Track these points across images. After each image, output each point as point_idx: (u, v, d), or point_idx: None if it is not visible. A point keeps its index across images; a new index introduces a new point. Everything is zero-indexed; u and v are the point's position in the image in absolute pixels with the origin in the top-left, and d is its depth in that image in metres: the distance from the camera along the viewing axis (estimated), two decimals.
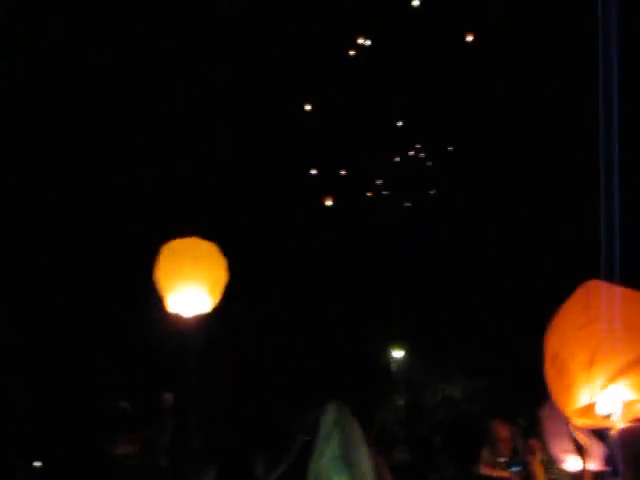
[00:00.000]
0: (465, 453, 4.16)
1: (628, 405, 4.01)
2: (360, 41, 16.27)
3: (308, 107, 16.33)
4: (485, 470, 6.05)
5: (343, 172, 18.17)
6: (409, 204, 19.42)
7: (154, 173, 13.59)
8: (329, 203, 18.09)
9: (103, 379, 12.62)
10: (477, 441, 5.88)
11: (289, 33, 15.35)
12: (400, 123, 18.39)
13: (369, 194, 18.72)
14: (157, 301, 6.16)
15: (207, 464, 6.76)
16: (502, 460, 5.89)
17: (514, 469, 5.71)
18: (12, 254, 12.64)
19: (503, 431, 6.17)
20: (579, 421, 4.19)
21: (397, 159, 19.22)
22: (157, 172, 13.61)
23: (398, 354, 18.04)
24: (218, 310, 6.36)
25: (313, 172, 17.73)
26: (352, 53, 15.90)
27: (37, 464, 13.96)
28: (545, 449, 5.91)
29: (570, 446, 5.66)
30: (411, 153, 19.15)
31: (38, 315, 13.58)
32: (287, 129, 15.88)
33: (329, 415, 5.77)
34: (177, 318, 6.20)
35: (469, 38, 15.54)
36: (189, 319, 6.19)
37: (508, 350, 15.05)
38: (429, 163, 18.78)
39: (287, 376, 14.12)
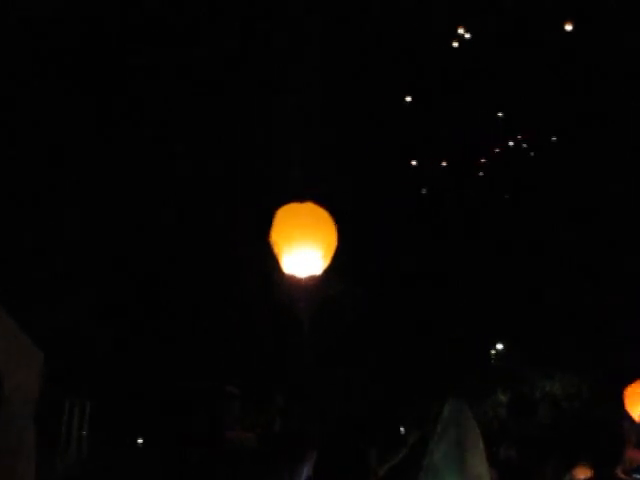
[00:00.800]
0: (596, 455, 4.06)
1: None
2: (460, 31, 16.19)
3: (408, 99, 16.31)
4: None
5: (444, 163, 18.10)
6: (507, 196, 19.18)
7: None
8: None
9: (214, 363, 12.92)
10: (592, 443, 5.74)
11: (390, 25, 15.36)
12: (500, 114, 18.21)
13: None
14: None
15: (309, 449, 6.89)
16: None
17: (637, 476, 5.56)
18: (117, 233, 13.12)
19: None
20: None
21: (497, 150, 19.05)
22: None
23: (498, 347, 17.88)
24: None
25: (413, 163, 17.71)
26: (455, 45, 15.79)
27: (140, 441, 14.64)
28: None
29: None
30: (511, 144, 18.94)
31: (145, 296, 14.01)
32: (388, 120, 15.88)
33: (447, 412, 5.80)
34: (291, 280, 6.43)
35: (568, 27, 15.21)
36: (303, 280, 6.45)
37: (609, 345, 14.79)
38: (531, 154, 18.53)
39: (400, 369, 14.23)
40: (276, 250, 6.42)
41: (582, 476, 4.81)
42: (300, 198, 6.60)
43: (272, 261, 6.54)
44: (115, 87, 13.19)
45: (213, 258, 13.75)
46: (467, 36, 16.18)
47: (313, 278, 6.64)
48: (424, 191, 18.72)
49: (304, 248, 6.35)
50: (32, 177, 12.38)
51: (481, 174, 18.83)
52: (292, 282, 6.62)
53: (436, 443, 5.74)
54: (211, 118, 13.61)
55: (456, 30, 16.16)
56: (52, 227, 12.76)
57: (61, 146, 12.87)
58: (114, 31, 13.14)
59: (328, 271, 6.67)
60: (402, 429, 7.74)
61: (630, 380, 7.06)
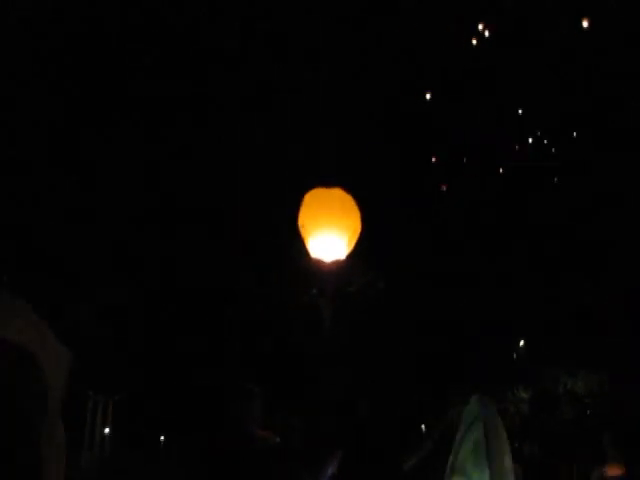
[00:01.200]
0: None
1: None
2: (480, 27, 16.10)
3: (428, 96, 16.24)
4: None
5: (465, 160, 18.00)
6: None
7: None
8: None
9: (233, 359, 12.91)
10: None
11: (414, 22, 15.34)
12: (520, 111, 18.10)
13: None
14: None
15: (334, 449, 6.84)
16: None
17: None
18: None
19: None
20: None
21: (517, 147, 18.93)
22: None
23: (520, 344, 17.75)
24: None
25: (433, 160, 17.65)
26: (474, 42, 15.70)
27: (162, 438, 14.68)
28: None
29: None
30: (530, 140, 18.82)
31: (169, 294, 14.01)
32: (410, 117, 15.84)
33: (472, 408, 5.75)
34: (317, 265, 6.49)
35: (585, 24, 15.08)
36: (328, 264, 6.52)
37: (630, 343, 14.64)
38: (553, 150, 18.39)
39: (422, 366, 14.16)
40: (303, 234, 6.57)
41: (613, 473, 4.74)
42: (328, 184, 6.70)
43: (298, 247, 6.69)
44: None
45: (239, 245, 13.74)
46: (487, 33, 16.11)
47: (338, 263, 6.72)
48: (444, 188, 18.64)
49: (331, 233, 6.42)
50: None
51: (501, 171, 18.71)
52: (317, 268, 6.70)
53: (462, 440, 5.69)
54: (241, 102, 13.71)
55: (476, 27, 16.09)
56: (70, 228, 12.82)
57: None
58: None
59: (352, 260, 6.75)
60: (423, 427, 7.69)
61: None
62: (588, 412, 11.26)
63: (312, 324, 12.12)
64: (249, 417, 6.14)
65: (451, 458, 5.71)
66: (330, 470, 6.62)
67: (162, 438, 14.88)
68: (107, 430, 14.38)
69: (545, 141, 18.41)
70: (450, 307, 15.46)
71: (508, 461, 5.71)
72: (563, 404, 13.85)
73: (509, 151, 18.48)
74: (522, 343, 17.99)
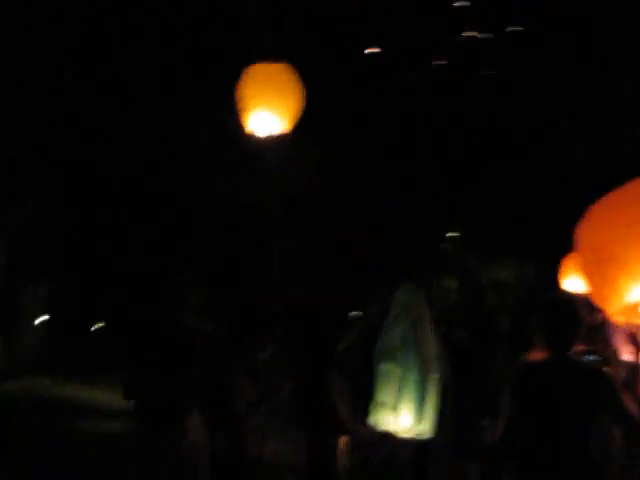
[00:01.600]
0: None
1: None
2: None
3: None
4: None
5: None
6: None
7: None
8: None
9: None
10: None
11: None
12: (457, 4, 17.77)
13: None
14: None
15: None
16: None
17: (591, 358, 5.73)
18: None
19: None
20: (620, 317, 4.10)
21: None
22: None
23: (448, 235, 18.08)
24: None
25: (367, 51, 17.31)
26: None
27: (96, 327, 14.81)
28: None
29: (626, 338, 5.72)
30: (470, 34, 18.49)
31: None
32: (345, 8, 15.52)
33: (400, 296, 5.93)
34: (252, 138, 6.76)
35: None
36: (264, 140, 6.75)
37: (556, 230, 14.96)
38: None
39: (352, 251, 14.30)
40: (240, 109, 6.60)
41: (536, 358, 4.97)
42: (272, 58, 6.73)
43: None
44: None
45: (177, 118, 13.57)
46: None
47: (275, 140, 6.79)
48: None
49: (268, 108, 6.52)
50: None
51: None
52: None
53: (390, 326, 5.91)
54: None
55: None
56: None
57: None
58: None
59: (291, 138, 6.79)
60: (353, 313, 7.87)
61: None
62: (509, 301, 11.58)
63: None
64: (183, 307, 6.21)
65: (379, 343, 5.93)
66: (261, 355, 6.82)
67: (96, 326, 14.95)
68: (44, 317, 14.38)
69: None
70: (378, 194, 15.52)
71: (434, 347, 5.95)
72: (489, 293, 14.25)
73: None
74: (450, 234, 18.37)
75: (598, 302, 4.15)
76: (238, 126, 6.75)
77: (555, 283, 7.45)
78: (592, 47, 15.14)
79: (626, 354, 5.79)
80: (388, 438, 5.85)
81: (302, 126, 7.01)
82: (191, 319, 6.02)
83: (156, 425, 5.69)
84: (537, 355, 5.37)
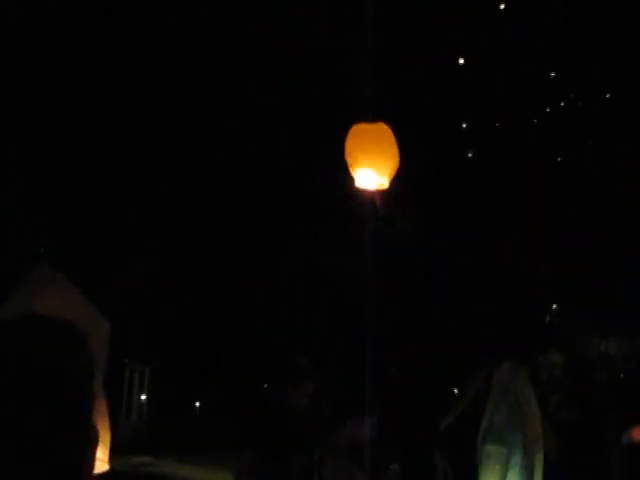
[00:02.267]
0: None
1: None
2: None
3: (461, 61, 16.07)
4: None
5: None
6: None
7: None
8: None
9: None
10: None
11: None
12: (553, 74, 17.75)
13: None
14: None
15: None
16: None
17: None
18: None
19: None
20: None
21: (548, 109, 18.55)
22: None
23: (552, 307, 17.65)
24: None
25: (464, 125, 17.41)
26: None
27: (197, 404, 14.93)
28: None
29: None
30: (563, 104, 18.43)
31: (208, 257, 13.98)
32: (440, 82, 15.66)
33: (503, 376, 5.80)
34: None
35: None
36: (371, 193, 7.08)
37: None
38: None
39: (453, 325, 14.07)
40: (350, 162, 6.82)
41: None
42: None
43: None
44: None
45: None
46: None
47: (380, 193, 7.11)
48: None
49: (376, 164, 6.79)
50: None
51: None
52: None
53: (495, 407, 5.77)
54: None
55: None
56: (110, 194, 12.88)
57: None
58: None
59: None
60: (455, 391, 7.73)
61: None
62: (621, 376, 11.17)
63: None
64: (295, 392, 6.20)
65: (484, 424, 5.79)
66: (369, 435, 6.73)
67: (197, 405, 15.09)
68: (144, 397, 14.62)
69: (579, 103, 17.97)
70: (481, 269, 15.33)
71: (539, 427, 5.78)
72: (597, 368, 13.78)
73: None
74: (555, 307, 17.93)
75: None
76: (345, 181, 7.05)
77: None
78: None
79: None
80: None
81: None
82: (308, 402, 5.97)
83: None
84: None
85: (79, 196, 12.54)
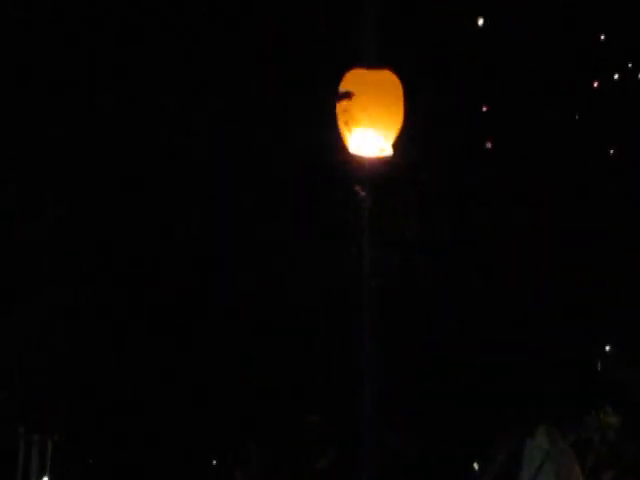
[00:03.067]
0: None
1: None
2: None
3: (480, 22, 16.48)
4: None
5: None
6: None
7: None
8: None
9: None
10: None
11: None
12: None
13: None
14: None
15: None
16: None
17: None
18: None
19: None
20: None
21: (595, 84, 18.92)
22: None
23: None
24: None
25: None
26: None
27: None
28: None
29: None
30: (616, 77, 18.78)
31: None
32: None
33: (539, 443, 5.87)
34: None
35: None
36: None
37: None
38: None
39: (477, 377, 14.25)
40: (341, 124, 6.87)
41: None
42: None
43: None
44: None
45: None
46: None
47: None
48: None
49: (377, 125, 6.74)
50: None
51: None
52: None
53: (532, 476, 5.88)
54: None
55: None
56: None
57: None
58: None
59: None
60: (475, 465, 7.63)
61: None
62: None
63: None
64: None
65: None
66: None
67: None
68: (46, 478, 14.44)
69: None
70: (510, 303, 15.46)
71: None
72: None
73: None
74: (608, 349, 17.99)
75: None
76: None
77: None
78: None
79: None
80: None
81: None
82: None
83: None
84: None
85: None
